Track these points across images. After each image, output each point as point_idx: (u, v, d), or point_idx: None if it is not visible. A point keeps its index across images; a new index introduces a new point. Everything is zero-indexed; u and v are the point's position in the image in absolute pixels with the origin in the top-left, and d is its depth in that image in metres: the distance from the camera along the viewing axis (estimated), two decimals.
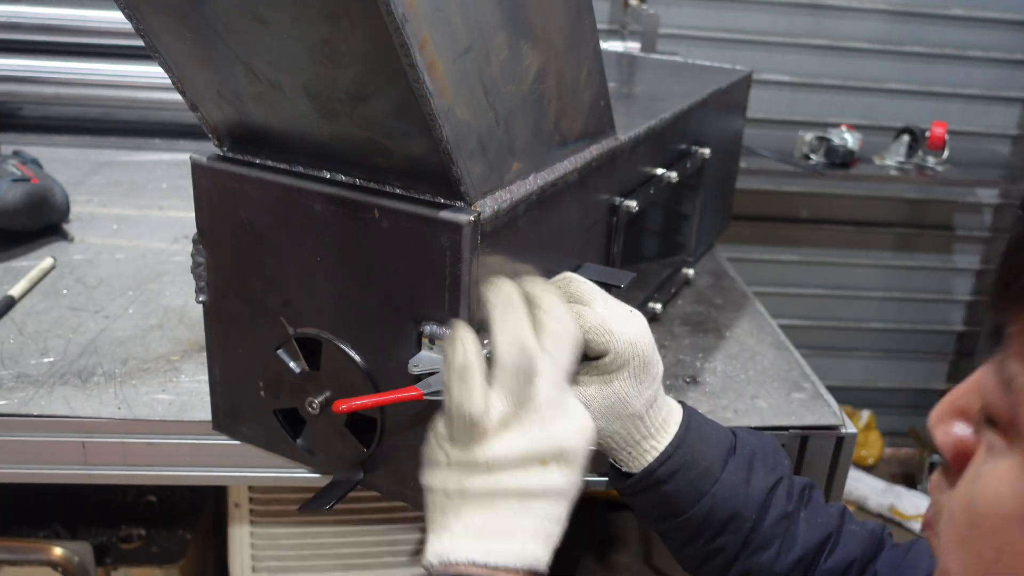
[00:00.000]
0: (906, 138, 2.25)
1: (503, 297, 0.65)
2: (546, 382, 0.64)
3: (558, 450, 0.63)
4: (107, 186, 1.61)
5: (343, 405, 0.74)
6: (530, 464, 0.62)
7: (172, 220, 1.47)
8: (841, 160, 2.17)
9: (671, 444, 0.77)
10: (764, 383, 1.08)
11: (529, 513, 0.62)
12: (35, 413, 0.91)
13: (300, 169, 0.76)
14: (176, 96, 0.78)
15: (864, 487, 2.67)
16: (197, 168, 0.79)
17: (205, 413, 0.91)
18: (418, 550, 1.40)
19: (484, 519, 0.61)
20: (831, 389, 1.09)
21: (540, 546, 0.62)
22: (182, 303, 1.17)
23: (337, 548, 1.35)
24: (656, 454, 0.76)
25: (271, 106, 0.71)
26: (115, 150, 1.82)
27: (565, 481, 0.64)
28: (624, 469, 0.78)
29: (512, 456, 0.62)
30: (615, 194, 0.97)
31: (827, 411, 1.02)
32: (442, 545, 0.61)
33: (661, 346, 1.16)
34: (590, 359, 0.74)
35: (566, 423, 0.64)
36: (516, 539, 0.61)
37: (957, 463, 0.48)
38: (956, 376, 2.95)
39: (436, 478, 0.64)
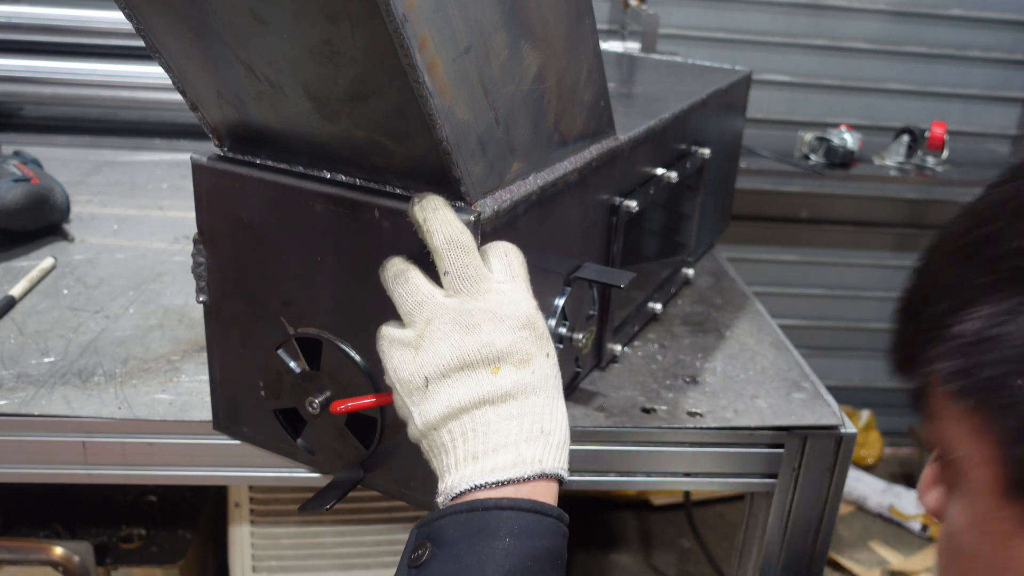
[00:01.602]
0: (906, 138, 2.25)
1: (430, 203, 0.65)
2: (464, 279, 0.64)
3: (497, 353, 0.61)
4: (107, 186, 1.61)
5: (341, 405, 0.74)
6: (472, 373, 0.61)
7: (172, 220, 1.47)
8: (841, 160, 2.17)
9: None
10: (764, 383, 1.08)
11: (510, 420, 0.60)
12: (35, 413, 0.91)
13: (300, 169, 0.76)
14: (176, 96, 0.78)
15: (864, 487, 2.67)
16: (197, 168, 0.79)
17: (205, 413, 0.92)
18: None
19: (471, 443, 0.60)
20: (831, 389, 1.09)
21: (537, 447, 0.60)
22: (182, 303, 1.17)
23: (337, 548, 1.35)
24: None
25: (271, 106, 0.71)
26: (115, 150, 1.82)
27: (525, 377, 0.62)
28: None
29: (444, 366, 0.61)
30: (615, 194, 0.97)
31: (827, 411, 1.02)
32: (446, 484, 0.60)
33: (661, 346, 1.16)
34: None
35: (492, 325, 0.62)
36: (509, 448, 0.59)
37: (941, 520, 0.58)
38: None
39: (412, 431, 0.64)
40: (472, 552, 0.55)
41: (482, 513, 0.57)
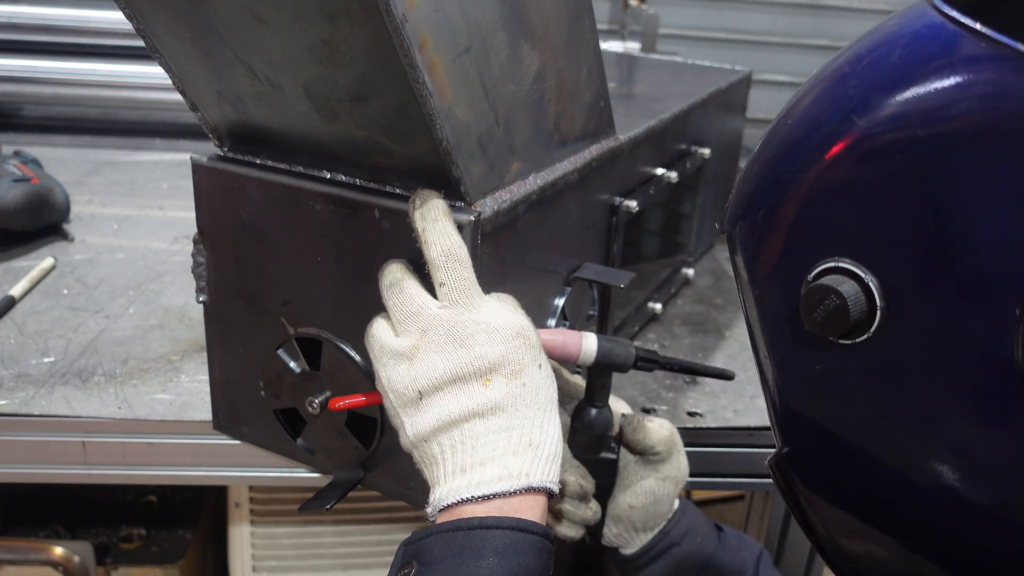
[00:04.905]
0: None
1: (430, 212, 0.65)
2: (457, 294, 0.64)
3: (489, 365, 0.61)
4: (107, 186, 1.61)
5: (339, 402, 0.74)
6: (464, 387, 0.61)
7: (172, 220, 1.47)
8: None
9: (678, 509, 0.82)
10: None
11: (498, 433, 0.60)
12: (35, 413, 0.91)
13: (300, 169, 0.76)
14: (176, 96, 0.78)
15: None
16: (197, 168, 0.79)
17: (205, 413, 0.92)
18: None
19: (459, 456, 0.60)
20: None
21: (524, 460, 0.60)
22: (182, 303, 1.17)
23: (337, 548, 1.35)
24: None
25: (271, 106, 0.71)
26: (115, 150, 1.82)
27: (515, 390, 0.61)
28: (629, 551, 0.82)
29: (438, 379, 0.61)
30: (615, 194, 0.97)
31: None
32: (435, 496, 0.61)
33: (661, 346, 1.16)
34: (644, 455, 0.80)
35: (486, 337, 0.62)
36: (496, 462, 0.59)
37: None
38: None
39: (404, 441, 0.64)
40: (457, 571, 0.55)
41: (467, 532, 0.57)
